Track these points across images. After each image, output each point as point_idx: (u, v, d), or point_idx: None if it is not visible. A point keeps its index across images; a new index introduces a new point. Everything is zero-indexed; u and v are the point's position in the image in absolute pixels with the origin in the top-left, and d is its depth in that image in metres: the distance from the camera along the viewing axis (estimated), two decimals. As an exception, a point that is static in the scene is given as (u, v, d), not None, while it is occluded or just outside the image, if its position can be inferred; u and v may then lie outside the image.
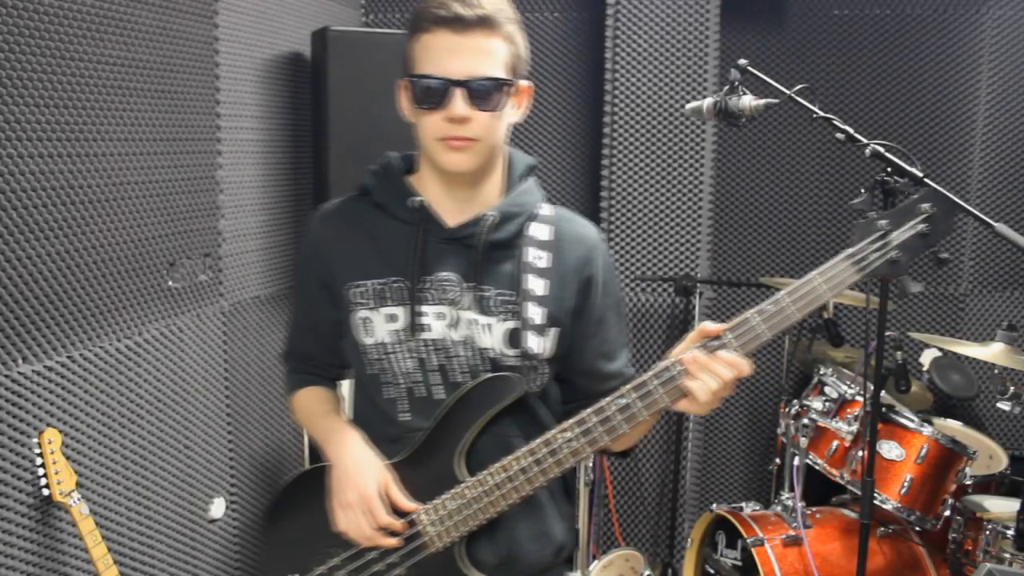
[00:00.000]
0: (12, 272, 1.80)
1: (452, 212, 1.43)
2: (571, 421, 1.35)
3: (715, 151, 3.45)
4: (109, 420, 2.11)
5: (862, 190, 1.38)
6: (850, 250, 1.31)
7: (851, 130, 1.79)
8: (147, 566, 2.26)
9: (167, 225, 2.33)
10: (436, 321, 1.42)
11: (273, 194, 2.92)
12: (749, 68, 1.95)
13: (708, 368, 1.29)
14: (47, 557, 1.91)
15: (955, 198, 1.70)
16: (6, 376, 1.80)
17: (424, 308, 1.42)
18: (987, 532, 2.60)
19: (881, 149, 1.72)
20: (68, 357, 1.97)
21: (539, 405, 1.47)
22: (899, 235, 1.32)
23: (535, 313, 1.40)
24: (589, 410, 1.34)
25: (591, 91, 3.70)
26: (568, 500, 1.56)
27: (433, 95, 1.32)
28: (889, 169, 1.75)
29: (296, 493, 1.53)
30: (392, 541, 1.40)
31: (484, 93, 1.32)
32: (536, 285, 1.41)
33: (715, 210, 3.63)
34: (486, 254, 1.41)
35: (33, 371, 1.87)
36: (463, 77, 1.31)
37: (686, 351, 1.31)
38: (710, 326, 1.31)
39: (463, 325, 1.42)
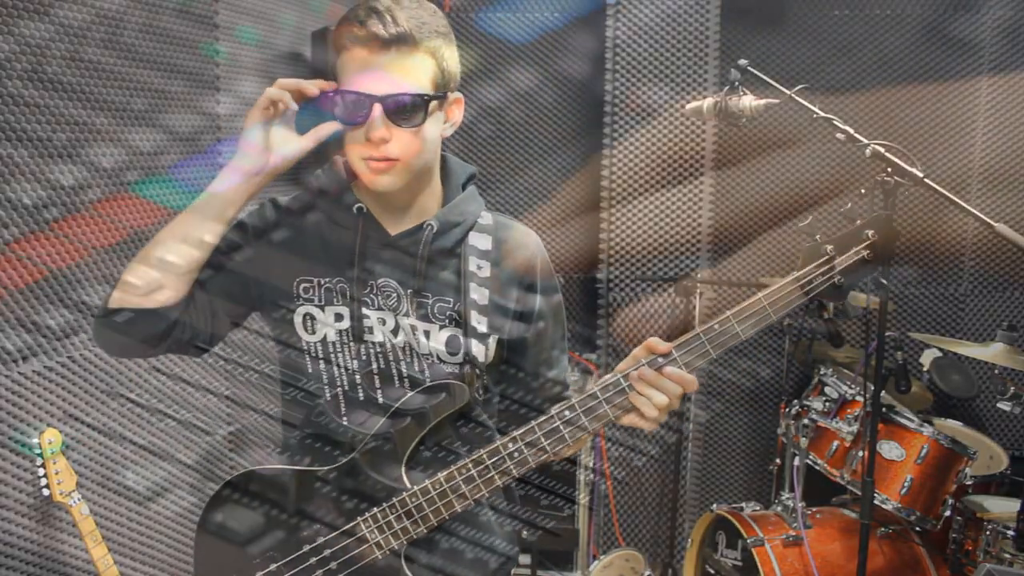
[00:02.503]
0: (12, 272, 1.80)
1: (392, 221, 1.44)
2: (517, 432, 1.34)
3: (715, 151, 3.45)
4: (109, 420, 2.11)
5: (809, 216, 1.41)
6: (797, 273, 1.36)
7: (851, 130, 1.79)
8: (147, 566, 2.26)
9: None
10: (378, 326, 1.42)
11: (273, 194, 2.92)
12: (749, 68, 1.95)
13: (655, 384, 1.32)
14: (47, 557, 1.91)
15: (955, 198, 1.71)
16: (6, 376, 1.80)
17: (367, 312, 1.41)
18: (987, 532, 2.60)
19: (881, 149, 1.72)
20: (68, 357, 1.97)
21: (481, 413, 1.47)
22: (843, 260, 1.37)
23: (476, 321, 1.42)
24: (535, 422, 1.34)
25: (591, 91, 3.70)
26: (511, 514, 1.55)
27: (352, 113, 1.32)
28: (889, 169, 1.75)
29: (231, 497, 1.47)
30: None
31: (402, 110, 1.31)
32: (478, 294, 1.43)
33: (715, 210, 3.63)
34: (426, 262, 1.41)
35: (33, 371, 1.87)
36: (380, 95, 1.30)
37: (632, 367, 1.33)
38: (658, 343, 1.34)
39: (404, 331, 1.42)
